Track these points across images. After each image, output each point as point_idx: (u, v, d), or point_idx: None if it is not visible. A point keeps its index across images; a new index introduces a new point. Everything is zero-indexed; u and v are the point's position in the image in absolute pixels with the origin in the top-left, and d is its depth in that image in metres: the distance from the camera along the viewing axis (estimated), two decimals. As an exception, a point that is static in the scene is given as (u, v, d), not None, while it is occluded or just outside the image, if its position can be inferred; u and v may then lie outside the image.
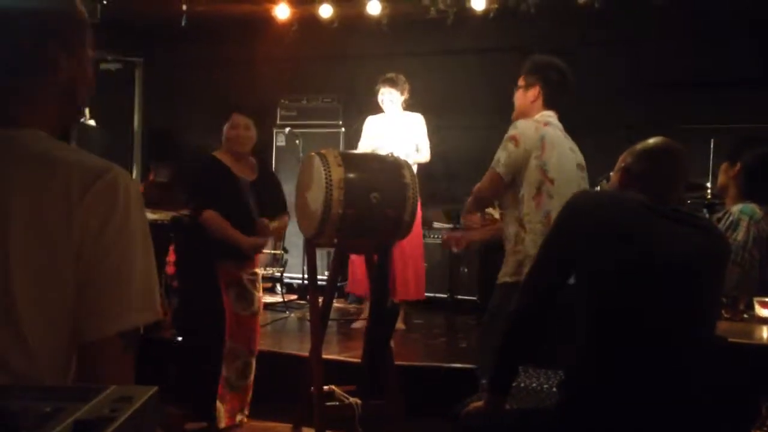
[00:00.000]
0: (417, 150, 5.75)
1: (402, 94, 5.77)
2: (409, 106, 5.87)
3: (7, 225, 1.23)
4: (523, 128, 3.37)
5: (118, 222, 1.28)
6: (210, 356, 4.15)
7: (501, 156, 3.35)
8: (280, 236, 5.77)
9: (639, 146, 2.34)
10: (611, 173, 2.44)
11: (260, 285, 4.37)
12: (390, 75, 5.79)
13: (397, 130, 5.77)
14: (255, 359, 4.26)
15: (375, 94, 5.84)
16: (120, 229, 1.28)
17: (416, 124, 5.83)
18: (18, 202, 1.24)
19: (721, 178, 3.56)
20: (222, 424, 4.13)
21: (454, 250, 3.77)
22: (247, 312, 4.19)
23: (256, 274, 4.32)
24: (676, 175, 2.30)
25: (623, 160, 2.35)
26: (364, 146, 5.79)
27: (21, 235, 1.23)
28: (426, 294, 6.37)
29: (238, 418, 4.23)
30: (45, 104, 1.38)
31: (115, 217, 1.28)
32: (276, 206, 4.38)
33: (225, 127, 4.26)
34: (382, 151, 5.58)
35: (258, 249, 4.30)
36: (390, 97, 5.74)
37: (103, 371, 1.28)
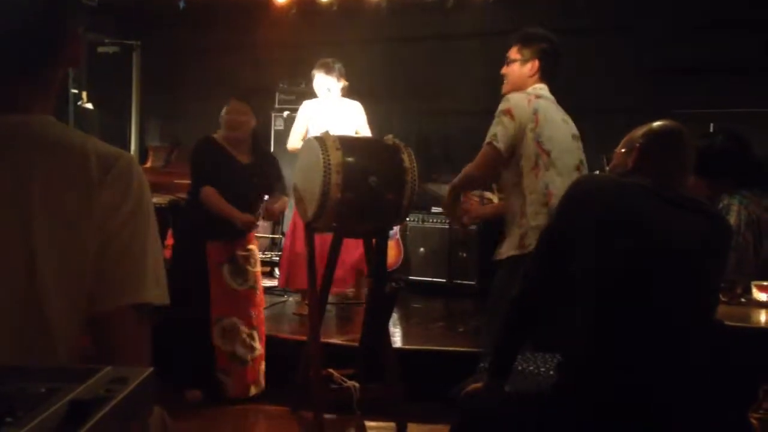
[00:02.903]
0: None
1: (338, 80, 5.64)
2: (348, 93, 5.77)
3: (29, 209, 1.25)
4: (516, 101, 3.34)
5: (133, 204, 1.32)
6: (200, 330, 4.28)
7: (498, 131, 3.30)
8: (277, 218, 5.75)
9: (648, 128, 2.31)
10: (616, 150, 2.42)
11: (256, 261, 4.52)
12: (325, 60, 5.62)
13: (333, 117, 5.61)
14: (260, 332, 4.45)
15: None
16: (134, 210, 1.32)
17: (355, 111, 5.70)
18: (38, 187, 1.26)
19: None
20: (229, 395, 4.30)
21: (465, 221, 3.64)
22: (244, 287, 4.38)
23: (250, 250, 4.47)
24: (685, 158, 2.29)
25: (632, 140, 2.33)
26: (297, 130, 5.65)
27: (44, 219, 1.25)
28: (425, 278, 6.39)
29: (253, 390, 4.37)
30: (50, 88, 1.39)
31: (130, 199, 1.32)
32: (273, 188, 4.51)
33: (223, 111, 4.43)
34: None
35: (251, 226, 4.41)
36: (326, 84, 5.63)
37: (119, 343, 1.31)
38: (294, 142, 5.61)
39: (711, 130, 5.41)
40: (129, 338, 1.31)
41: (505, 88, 3.52)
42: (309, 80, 7.44)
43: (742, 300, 3.12)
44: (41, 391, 0.87)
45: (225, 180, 4.28)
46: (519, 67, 3.48)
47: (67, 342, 1.27)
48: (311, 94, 7.48)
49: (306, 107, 5.77)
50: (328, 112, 5.64)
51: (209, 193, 4.23)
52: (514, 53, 3.51)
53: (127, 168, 1.33)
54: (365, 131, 5.68)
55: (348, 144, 3.73)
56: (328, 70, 5.56)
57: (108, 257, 1.28)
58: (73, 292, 1.27)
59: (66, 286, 1.26)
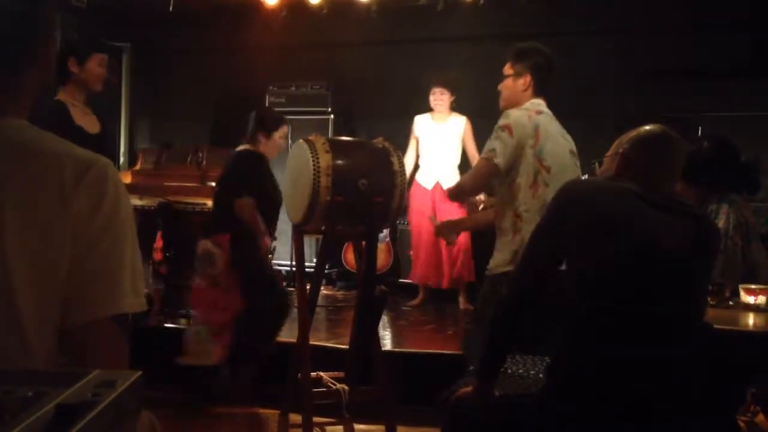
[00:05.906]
0: (461, 151, 5.95)
1: (452, 94, 5.86)
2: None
3: (1, 215, 1.23)
4: (516, 117, 3.34)
5: (109, 210, 1.29)
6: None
7: (496, 146, 3.30)
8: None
9: (635, 132, 2.32)
10: (606, 156, 2.43)
11: None
12: (441, 76, 5.95)
13: (442, 131, 5.92)
14: None
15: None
16: (111, 216, 1.29)
17: (461, 125, 5.97)
18: (11, 193, 1.24)
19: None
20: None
21: (451, 241, 3.78)
22: None
23: None
24: (672, 163, 2.30)
25: (620, 146, 2.33)
26: (410, 149, 5.98)
27: (17, 226, 1.23)
28: (415, 281, 6.38)
29: None
30: (24, 93, 1.38)
31: (106, 205, 1.29)
32: None
33: (276, 134, 4.56)
34: (428, 151, 5.82)
35: (267, 250, 4.59)
36: (442, 98, 5.82)
37: (97, 355, 1.29)
38: (408, 156, 5.93)
39: (699, 133, 5.45)
40: (106, 349, 1.29)
41: (501, 103, 3.54)
42: (299, 83, 7.44)
43: (730, 303, 3.13)
44: (28, 395, 0.86)
45: (266, 198, 4.34)
46: (512, 82, 3.50)
47: (42, 350, 1.26)
48: (301, 98, 7.49)
49: (417, 123, 6.06)
50: (438, 126, 5.94)
51: (248, 204, 4.25)
52: (507, 69, 3.53)
53: (103, 173, 1.30)
54: (470, 144, 5.92)
55: (338, 147, 3.72)
56: (446, 85, 5.79)
57: (85, 268, 1.26)
58: (47, 301, 1.25)
59: (40, 294, 1.24)
